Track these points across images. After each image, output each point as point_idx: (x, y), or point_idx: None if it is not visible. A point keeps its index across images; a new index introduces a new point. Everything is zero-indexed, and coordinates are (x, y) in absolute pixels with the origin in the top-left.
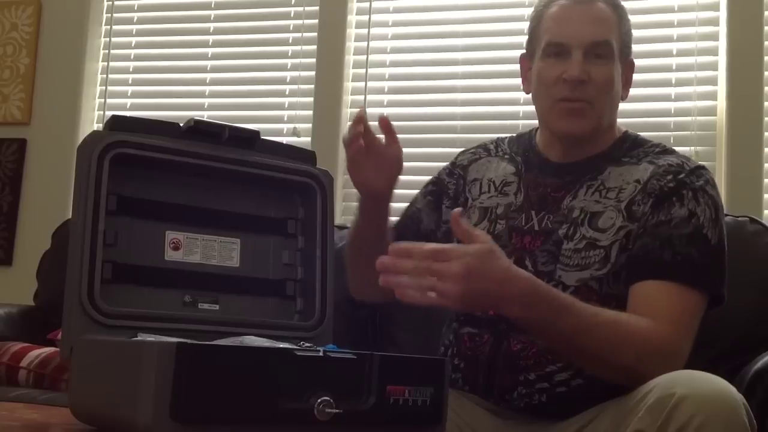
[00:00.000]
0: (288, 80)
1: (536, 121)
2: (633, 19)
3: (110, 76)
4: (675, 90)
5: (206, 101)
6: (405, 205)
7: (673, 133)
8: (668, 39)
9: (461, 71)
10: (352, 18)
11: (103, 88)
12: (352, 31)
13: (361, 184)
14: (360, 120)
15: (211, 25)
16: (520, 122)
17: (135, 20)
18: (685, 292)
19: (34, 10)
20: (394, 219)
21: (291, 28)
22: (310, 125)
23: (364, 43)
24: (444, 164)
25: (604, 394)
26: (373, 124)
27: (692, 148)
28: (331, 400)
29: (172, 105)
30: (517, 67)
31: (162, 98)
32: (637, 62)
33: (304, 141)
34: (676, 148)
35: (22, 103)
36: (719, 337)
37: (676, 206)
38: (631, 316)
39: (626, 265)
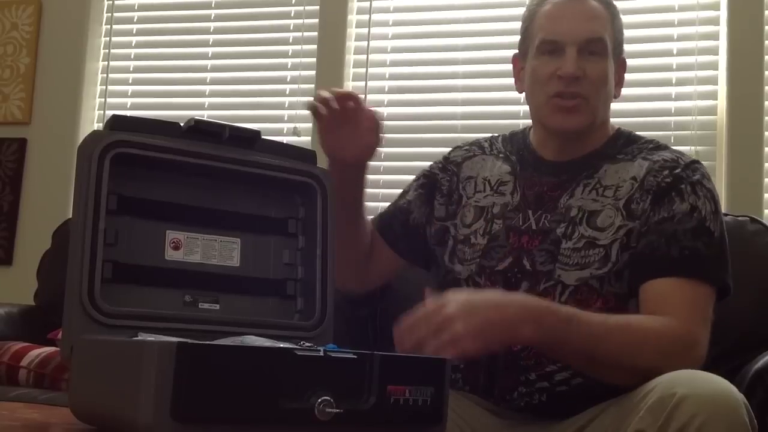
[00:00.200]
0: (288, 80)
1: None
2: (634, 18)
3: (110, 75)
4: (675, 89)
5: (206, 101)
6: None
7: (674, 132)
8: (668, 38)
9: (461, 71)
10: (353, 17)
11: (104, 87)
12: (352, 31)
13: (333, 150)
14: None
15: (212, 25)
16: (521, 122)
17: (135, 20)
18: (696, 286)
19: (34, 10)
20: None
21: (291, 28)
22: (310, 125)
23: (365, 43)
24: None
25: (605, 393)
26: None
27: (692, 147)
28: (332, 400)
29: (173, 104)
30: None
31: (162, 98)
32: (638, 61)
33: (304, 140)
34: (678, 148)
35: (23, 103)
36: (720, 336)
37: (677, 202)
38: (642, 317)
39: (632, 264)
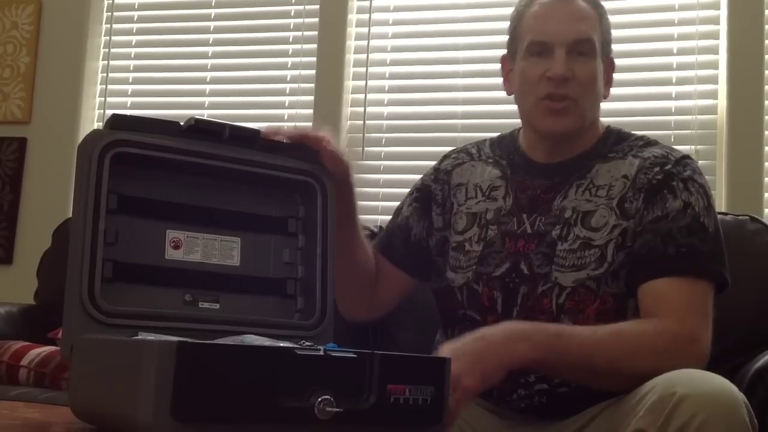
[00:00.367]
0: (288, 79)
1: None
2: (634, 17)
3: (110, 74)
4: (675, 89)
5: (207, 100)
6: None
7: (674, 131)
8: (669, 38)
9: (462, 70)
10: (353, 17)
11: (104, 86)
12: (352, 30)
13: None
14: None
15: (212, 24)
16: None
17: (135, 19)
18: (694, 283)
19: (34, 9)
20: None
21: (291, 27)
22: (310, 124)
23: (365, 42)
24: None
25: (605, 393)
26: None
27: (693, 146)
28: (332, 399)
29: (173, 104)
30: None
31: (162, 97)
32: (638, 61)
33: None
34: (678, 147)
35: (23, 102)
36: (720, 335)
37: (670, 199)
38: (633, 322)
39: (628, 264)
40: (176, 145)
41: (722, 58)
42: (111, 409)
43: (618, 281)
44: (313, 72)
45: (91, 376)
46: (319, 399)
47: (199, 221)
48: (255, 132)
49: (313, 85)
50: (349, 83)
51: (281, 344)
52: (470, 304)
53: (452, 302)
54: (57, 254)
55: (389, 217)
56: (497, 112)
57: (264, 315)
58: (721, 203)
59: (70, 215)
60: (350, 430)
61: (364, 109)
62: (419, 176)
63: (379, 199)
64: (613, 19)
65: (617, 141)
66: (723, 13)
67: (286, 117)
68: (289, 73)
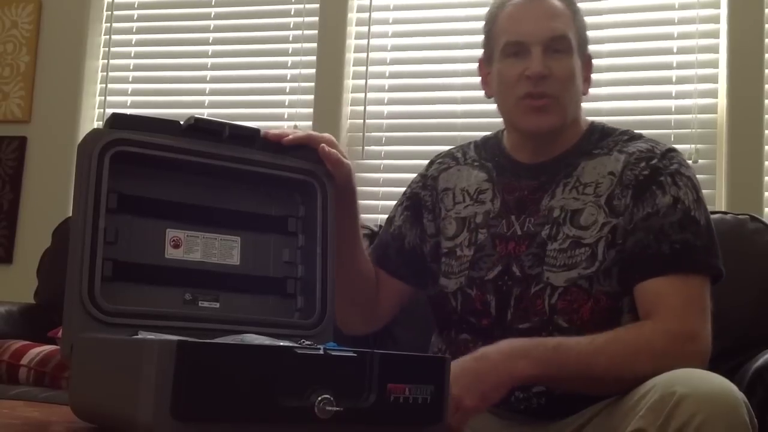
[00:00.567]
0: (288, 78)
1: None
2: (634, 16)
3: (110, 73)
4: (676, 88)
5: (207, 99)
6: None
7: (674, 131)
8: (669, 37)
9: (461, 69)
10: (353, 16)
11: (104, 85)
12: (352, 29)
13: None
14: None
15: (212, 23)
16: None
17: (135, 18)
18: (689, 279)
19: (34, 8)
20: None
21: (291, 26)
22: (310, 123)
23: (365, 41)
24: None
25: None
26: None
27: (693, 145)
28: (332, 398)
29: (173, 103)
30: None
31: (162, 96)
32: (638, 60)
33: None
34: (678, 146)
35: (23, 101)
36: (719, 335)
37: (659, 195)
38: (629, 326)
39: (621, 262)
40: (176, 144)
41: (722, 57)
42: (111, 408)
43: (610, 279)
44: (313, 72)
45: (91, 375)
46: (319, 398)
47: (199, 220)
48: (255, 131)
49: (313, 84)
50: (349, 83)
51: (281, 343)
52: (464, 309)
53: (446, 308)
54: (57, 253)
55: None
56: (497, 111)
57: (264, 314)
58: (721, 202)
59: (70, 214)
60: (350, 429)
61: (364, 109)
62: None
63: (379, 199)
64: (613, 18)
65: (601, 137)
66: (723, 12)
67: (286, 116)
68: (289, 73)
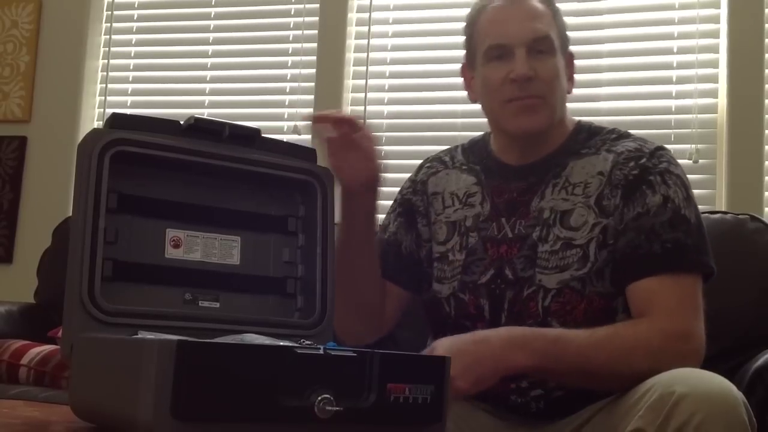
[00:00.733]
0: (288, 78)
1: None
2: (634, 16)
3: (110, 73)
4: (676, 87)
5: (207, 99)
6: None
7: (674, 130)
8: (669, 36)
9: None
10: (353, 15)
11: (104, 85)
12: (352, 29)
13: (337, 173)
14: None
15: (212, 23)
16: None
17: (135, 18)
18: (682, 278)
19: (34, 8)
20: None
21: (291, 26)
22: (310, 123)
23: (365, 41)
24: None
25: (603, 393)
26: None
27: (693, 145)
28: (332, 398)
29: (173, 103)
30: None
31: (162, 96)
32: (638, 60)
33: (304, 139)
34: (678, 146)
35: (23, 101)
36: (719, 334)
37: (649, 194)
38: (628, 323)
39: (613, 262)
40: (176, 144)
41: (722, 57)
42: (111, 407)
43: (603, 280)
44: (313, 71)
45: (91, 374)
46: (319, 398)
47: (199, 220)
48: (255, 131)
49: (313, 84)
50: (349, 83)
51: (281, 343)
52: (458, 314)
53: (441, 313)
54: (57, 253)
55: None
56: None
57: (264, 314)
58: (721, 202)
59: (70, 214)
60: (350, 429)
61: (364, 109)
62: None
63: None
64: (613, 18)
65: (589, 136)
66: (723, 12)
67: (286, 116)
68: (289, 72)
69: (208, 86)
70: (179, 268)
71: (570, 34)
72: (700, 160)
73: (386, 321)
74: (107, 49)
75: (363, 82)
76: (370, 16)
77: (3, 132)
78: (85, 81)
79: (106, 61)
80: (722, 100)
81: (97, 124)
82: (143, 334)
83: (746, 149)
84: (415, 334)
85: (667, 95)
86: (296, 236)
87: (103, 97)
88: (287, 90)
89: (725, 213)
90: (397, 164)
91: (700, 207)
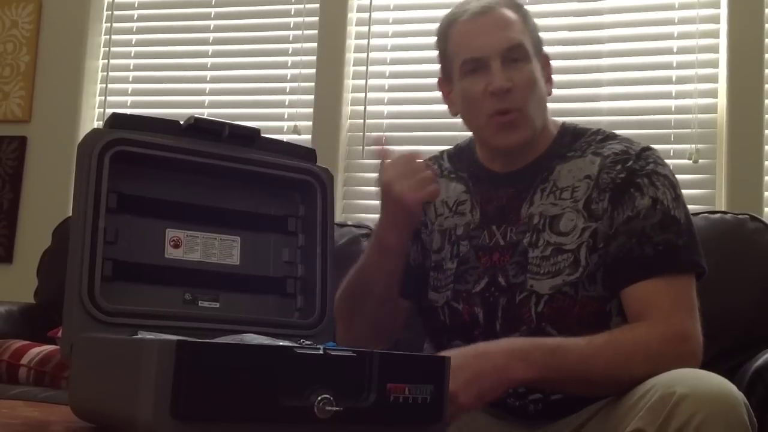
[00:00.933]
0: (288, 78)
1: None
2: (634, 16)
3: (110, 73)
4: (676, 87)
5: (206, 99)
6: None
7: (674, 130)
8: (669, 36)
9: None
10: (353, 15)
11: (104, 85)
12: (352, 29)
13: (399, 198)
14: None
15: (212, 23)
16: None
17: (135, 18)
18: (675, 280)
19: (34, 8)
20: None
21: (291, 26)
22: (310, 123)
23: (365, 41)
24: None
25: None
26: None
27: (693, 145)
28: (332, 398)
29: (173, 103)
30: None
31: (162, 96)
32: (638, 60)
33: (304, 139)
34: (678, 146)
35: (23, 101)
36: (719, 334)
37: (638, 197)
38: (625, 328)
39: (605, 267)
40: (176, 144)
41: (722, 57)
42: (111, 407)
43: (595, 284)
44: (313, 72)
45: (90, 374)
46: (319, 398)
47: (199, 220)
48: (255, 131)
49: (313, 84)
50: (349, 83)
51: (281, 343)
52: (452, 322)
53: (436, 320)
54: (57, 253)
55: None
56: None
57: (263, 314)
58: (721, 202)
59: (70, 214)
60: (350, 429)
61: (364, 109)
62: None
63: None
64: (613, 18)
65: (574, 138)
66: (723, 11)
67: (286, 116)
68: (289, 72)
69: (208, 86)
70: (179, 268)
71: (570, 34)
72: (700, 160)
73: (393, 334)
74: (107, 49)
75: (363, 82)
76: (370, 16)
77: (3, 132)
78: (85, 81)
79: (106, 61)
80: (722, 100)
81: (97, 124)
82: (143, 334)
83: (746, 149)
84: (415, 334)
85: (667, 95)
86: (296, 236)
87: (103, 97)
88: (287, 90)
89: (725, 213)
90: None
91: (700, 207)
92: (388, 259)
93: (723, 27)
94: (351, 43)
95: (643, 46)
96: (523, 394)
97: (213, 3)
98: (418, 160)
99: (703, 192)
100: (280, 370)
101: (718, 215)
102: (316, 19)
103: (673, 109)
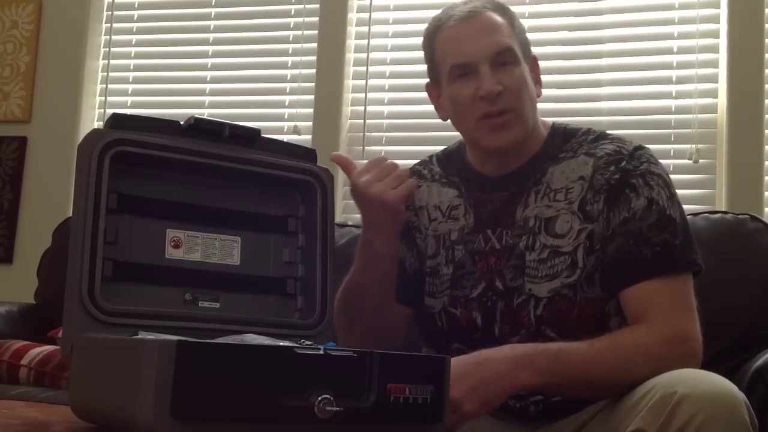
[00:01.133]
0: (288, 78)
1: None
2: (634, 16)
3: (111, 74)
4: (676, 87)
5: (207, 99)
6: None
7: (674, 130)
8: (669, 37)
9: None
10: (353, 16)
11: (104, 86)
12: (352, 29)
13: (379, 200)
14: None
15: (212, 23)
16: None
17: (135, 18)
18: (673, 280)
19: (34, 8)
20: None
21: (291, 26)
22: (310, 123)
23: (365, 41)
24: None
25: None
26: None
27: (693, 145)
28: (332, 398)
29: (173, 103)
30: None
31: (162, 96)
32: (639, 60)
33: (304, 139)
34: (678, 146)
35: (23, 101)
36: (719, 334)
37: (633, 198)
38: (625, 330)
39: (603, 268)
40: (176, 144)
41: (722, 57)
42: (111, 408)
43: (593, 286)
44: (313, 72)
45: (91, 375)
46: (319, 398)
47: (199, 220)
48: (255, 131)
49: (313, 84)
50: (349, 83)
51: (281, 343)
52: (450, 328)
53: (434, 326)
54: (57, 253)
55: None
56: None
57: (264, 314)
58: (721, 202)
59: (70, 214)
60: (350, 429)
61: (364, 109)
62: None
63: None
64: (613, 18)
65: (565, 139)
66: (723, 11)
67: (286, 116)
68: (289, 72)
69: (208, 86)
70: (179, 268)
71: (570, 34)
72: (700, 160)
73: (395, 339)
74: (107, 49)
75: (363, 82)
76: (370, 16)
77: (3, 132)
78: (85, 81)
79: (106, 61)
80: (722, 100)
81: (97, 124)
82: (143, 335)
83: (746, 149)
84: (416, 334)
85: (667, 95)
86: (296, 236)
87: (103, 97)
88: (287, 90)
89: (725, 213)
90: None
91: (700, 207)
92: (380, 265)
93: (723, 27)
94: (351, 43)
95: (643, 46)
96: (524, 395)
97: (213, 3)
98: (387, 161)
99: (703, 192)
100: (280, 371)
101: (718, 215)
102: (316, 19)
103: (673, 109)
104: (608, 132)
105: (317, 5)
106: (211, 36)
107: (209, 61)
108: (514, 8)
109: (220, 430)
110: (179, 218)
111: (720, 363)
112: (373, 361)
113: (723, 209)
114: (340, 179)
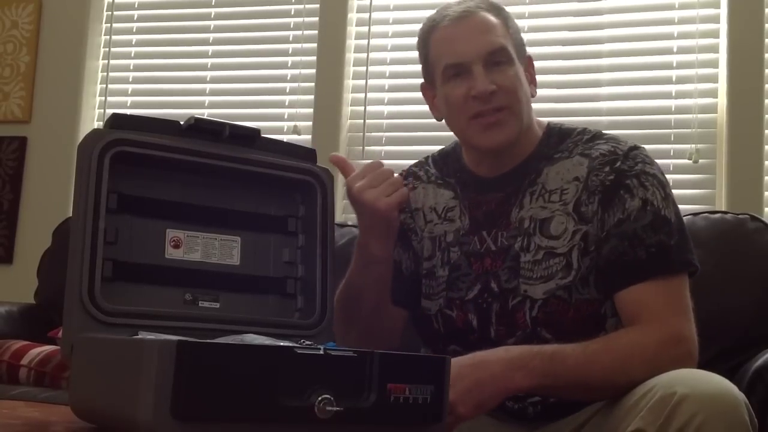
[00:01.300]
0: (288, 78)
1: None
2: (634, 16)
3: (111, 74)
4: (676, 87)
5: (207, 99)
6: None
7: (674, 130)
8: (669, 37)
9: None
10: (353, 16)
11: (104, 86)
12: (352, 29)
13: (372, 207)
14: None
15: (212, 23)
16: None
17: (135, 18)
18: (669, 281)
19: (34, 8)
20: None
21: (291, 26)
22: (310, 123)
23: (365, 41)
24: None
25: None
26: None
27: (693, 145)
28: (332, 398)
29: (173, 103)
30: None
31: (162, 96)
32: (638, 60)
33: (304, 139)
34: (678, 146)
35: (23, 101)
36: (719, 334)
37: (627, 199)
38: (621, 332)
39: (598, 269)
40: (176, 144)
41: (722, 56)
42: (111, 408)
43: (588, 287)
44: (313, 72)
45: (91, 375)
46: (319, 398)
47: (199, 220)
48: (255, 131)
49: (313, 84)
50: (350, 82)
51: (281, 343)
52: (447, 330)
53: (431, 328)
54: (57, 253)
55: None
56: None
57: (264, 314)
58: (721, 202)
59: (70, 214)
60: (350, 429)
61: (364, 109)
62: None
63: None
64: (613, 18)
65: (560, 139)
66: (723, 11)
67: (286, 116)
68: (289, 72)
69: (208, 86)
70: (179, 268)
71: (570, 34)
72: (700, 160)
73: (392, 341)
74: (107, 49)
75: (363, 82)
76: (370, 16)
77: (3, 132)
78: (85, 81)
79: (106, 61)
80: (722, 100)
81: (97, 124)
82: (143, 335)
83: (746, 149)
84: (416, 334)
85: (667, 95)
86: (296, 236)
87: (103, 97)
88: (287, 90)
89: (725, 213)
90: (397, 164)
91: (700, 207)
92: (375, 267)
93: (723, 27)
94: (351, 43)
95: (643, 46)
96: (522, 396)
97: (213, 3)
98: (382, 167)
99: (703, 192)
100: (280, 371)
101: (718, 215)
102: (316, 19)
103: (673, 109)
104: (604, 132)
105: (317, 5)
106: (211, 36)
107: (209, 61)
108: (513, 8)
109: (220, 430)
110: (179, 218)
111: (720, 363)
112: (373, 361)
113: (723, 209)
114: (340, 179)
